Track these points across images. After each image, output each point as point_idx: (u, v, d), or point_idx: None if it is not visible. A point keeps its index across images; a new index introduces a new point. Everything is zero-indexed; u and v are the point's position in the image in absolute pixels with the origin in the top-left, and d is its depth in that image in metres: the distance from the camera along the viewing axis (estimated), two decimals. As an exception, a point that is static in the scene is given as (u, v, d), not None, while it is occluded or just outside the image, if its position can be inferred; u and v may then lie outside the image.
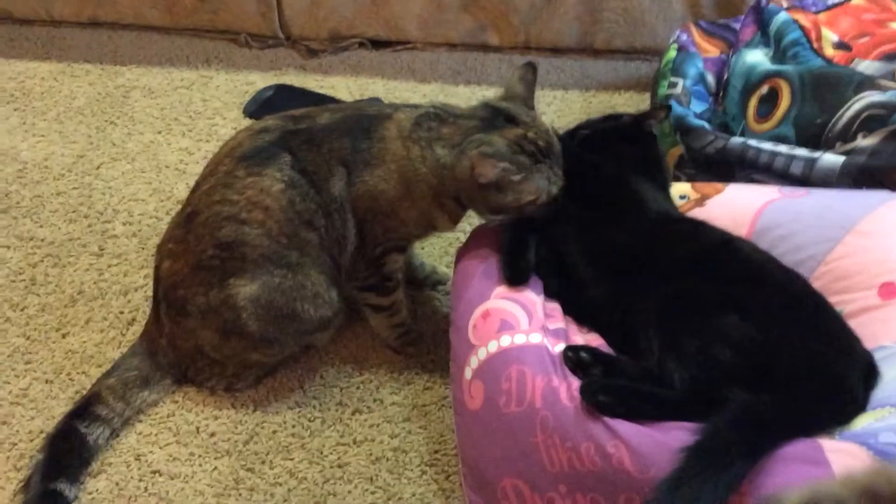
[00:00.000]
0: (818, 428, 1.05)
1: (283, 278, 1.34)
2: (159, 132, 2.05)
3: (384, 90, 2.24)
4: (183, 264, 1.36)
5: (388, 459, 1.36)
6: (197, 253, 1.35)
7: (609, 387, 1.09)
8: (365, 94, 2.21)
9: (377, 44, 2.42)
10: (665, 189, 1.44)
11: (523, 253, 1.32)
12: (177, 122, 2.08)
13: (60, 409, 1.39)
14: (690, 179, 1.71)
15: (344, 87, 2.25)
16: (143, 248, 1.72)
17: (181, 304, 1.38)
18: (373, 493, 1.31)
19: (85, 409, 1.35)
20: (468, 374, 1.21)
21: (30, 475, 1.27)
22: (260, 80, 2.25)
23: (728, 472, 0.95)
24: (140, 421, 1.40)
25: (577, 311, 1.31)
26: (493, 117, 1.36)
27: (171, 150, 1.99)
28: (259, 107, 2.13)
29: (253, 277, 1.33)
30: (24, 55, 2.34)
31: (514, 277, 1.29)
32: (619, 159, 1.39)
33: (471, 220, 1.65)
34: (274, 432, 1.39)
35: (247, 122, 2.09)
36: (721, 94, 1.90)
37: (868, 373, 1.14)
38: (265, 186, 1.32)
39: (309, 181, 1.35)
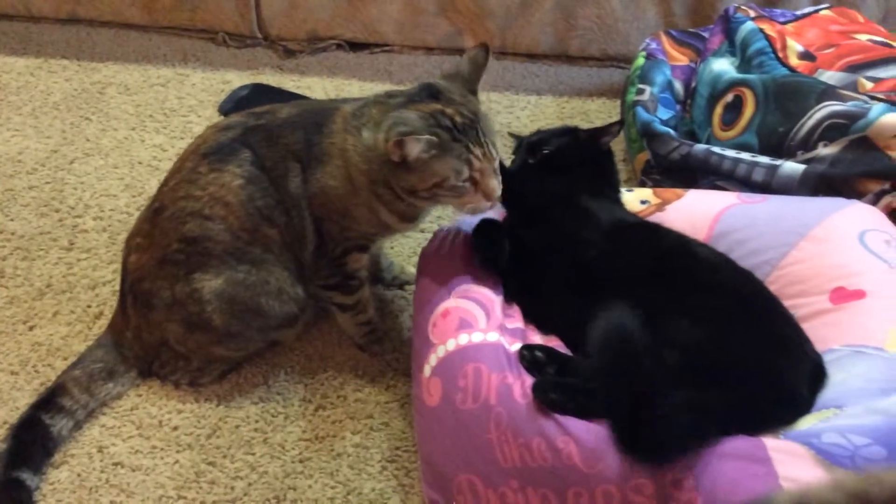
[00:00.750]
0: (762, 426, 1.07)
1: (247, 273, 1.36)
2: (133, 129, 2.06)
3: (360, 91, 2.26)
4: (149, 258, 1.38)
5: (349, 455, 1.38)
6: (163, 247, 1.36)
7: (560, 385, 1.11)
8: (340, 95, 2.23)
9: (354, 45, 2.45)
10: (618, 200, 1.47)
11: (497, 238, 1.34)
12: (151, 119, 2.09)
13: (25, 400, 1.40)
14: (656, 185, 1.74)
15: (320, 87, 2.26)
16: (112, 244, 1.73)
17: (147, 297, 1.39)
18: (332, 487, 1.33)
19: (49, 401, 1.36)
20: (427, 371, 1.23)
21: (-8, 465, 1.28)
22: (236, 79, 2.27)
23: None
24: (103, 413, 1.41)
25: (536, 314, 1.33)
26: (419, 93, 1.32)
27: (145, 147, 2.00)
28: (234, 105, 2.15)
29: (217, 272, 1.35)
30: (1, 50, 2.35)
31: (487, 257, 1.32)
32: (572, 179, 1.40)
33: (439, 221, 1.67)
34: (237, 427, 1.41)
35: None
36: (688, 101, 1.93)
37: (815, 375, 1.17)
38: (226, 182, 1.34)
39: (268, 177, 1.36)
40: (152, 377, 1.47)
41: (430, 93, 1.31)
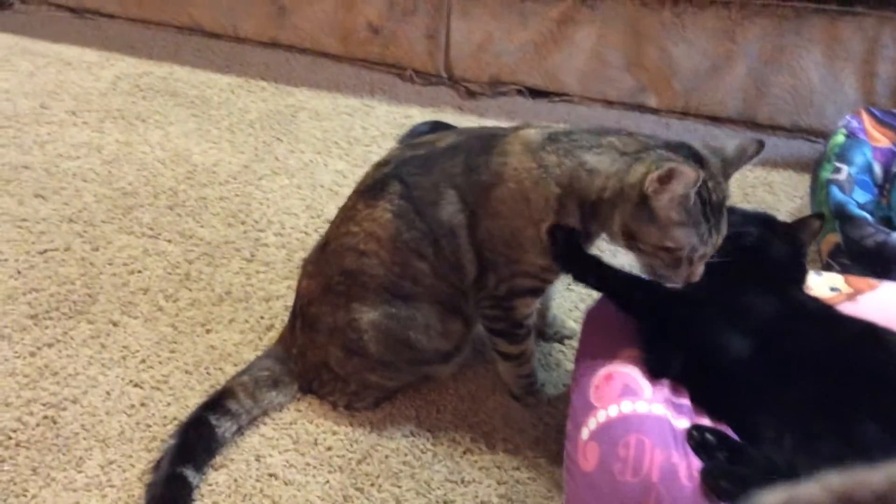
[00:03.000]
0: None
1: (399, 308, 1.39)
2: (319, 153, 2.16)
3: (536, 138, 2.28)
4: (317, 285, 1.45)
5: (492, 504, 1.37)
6: (327, 277, 1.43)
7: (733, 474, 1.05)
8: (517, 140, 2.25)
9: (535, 93, 2.47)
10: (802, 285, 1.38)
11: (667, 350, 1.27)
12: (336, 146, 2.19)
13: (195, 399, 1.48)
14: (844, 270, 1.64)
15: (498, 130, 2.30)
16: (289, 260, 1.81)
17: (313, 321, 1.45)
18: (473, 535, 1.32)
19: (217, 402, 1.43)
20: (585, 434, 1.20)
21: (160, 457, 1.35)
22: (418, 115, 2.34)
23: None
24: (264, 423, 1.47)
25: (705, 396, 1.27)
26: (677, 148, 1.24)
27: (328, 171, 2.10)
28: (415, 140, 2.21)
29: (373, 305, 1.39)
30: (207, 66, 2.54)
31: (658, 371, 1.24)
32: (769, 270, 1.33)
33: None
34: (386, 457, 1.43)
35: (401, 153, 2.18)
36: (887, 185, 1.82)
37: None
38: (376, 217, 1.37)
39: (414, 208, 1.35)
40: (312, 395, 1.52)
41: (691, 154, 1.23)
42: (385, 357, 1.43)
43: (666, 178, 1.15)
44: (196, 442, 1.38)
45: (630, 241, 1.24)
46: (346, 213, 1.43)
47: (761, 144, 1.29)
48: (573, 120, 2.38)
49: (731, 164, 1.27)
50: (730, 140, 2.21)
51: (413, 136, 2.22)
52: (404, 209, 1.35)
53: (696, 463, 1.09)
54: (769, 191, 2.10)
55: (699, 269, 1.24)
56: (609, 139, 1.27)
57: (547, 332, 1.66)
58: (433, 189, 1.34)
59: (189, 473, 1.33)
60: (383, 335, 1.40)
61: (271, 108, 2.35)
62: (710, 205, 1.19)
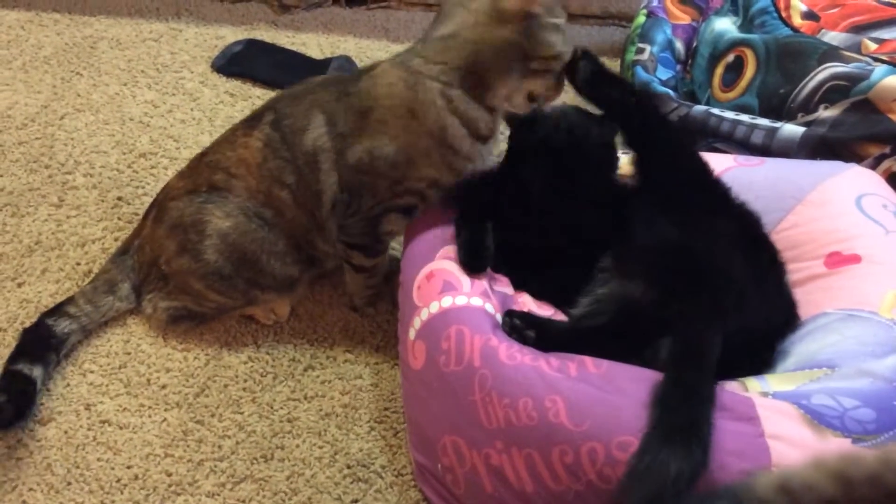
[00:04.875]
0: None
1: (259, 228, 1.38)
2: (125, 84, 2.03)
3: (356, 48, 2.23)
4: (184, 186, 1.44)
5: (337, 415, 1.38)
6: (196, 183, 1.43)
7: (531, 320, 1.17)
8: (336, 52, 2.19)
9: (351, 1, 2.40)
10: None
11: (482, 238, 1.28)
12: (143, 75, 2.06)
13: (12, 357, 1.40)
14: (654, 146, 1.71)
15: (315, 44, 2.23)
16: (102, 201, 1.71)
17: (163, 214, 1.44)
18: (320, 447, 1.33)
19: (56, 308, 1.43)
20: (412, 334, 1.22)
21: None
22: (230, 35, 2.23)
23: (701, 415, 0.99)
24: (91, 371, 1.41)
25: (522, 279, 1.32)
26: None
27: (136, 103, 1.98)
28: (228, 61, 2.11)
29: (229, 215, 1.38)
30: (-9, 3, 2.31)
31: (473, 263, 1.25)
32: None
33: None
34: (225, 386, 1.40)
35: (214, 76, 2.07)
36: (689, 61, 1.89)
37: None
38: (250, 145, 1.38)
39: (281, 137, 1.36)
40: (140, 296, 1.48)
41: None
42: (224, 269, 1.39)
43: None
44: (32, 342, 1.37)
45: (527, 62, 1.26)
46: (228, 136, 1.45)
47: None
48: (392, 28, 2.33)
49: None
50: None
51: (227, 56, 2.13)
52: (273, 138, 1.37)
53: (516, 344, 1.13)
54: (586, 79, 2.14)
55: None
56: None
57: None
58: (303, 116, 1.36)
59: (25, 367, 1.32)
60: (229, 248, 1.38)
61: (67, 41, 2.17)
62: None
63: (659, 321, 1.10)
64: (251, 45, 2.18)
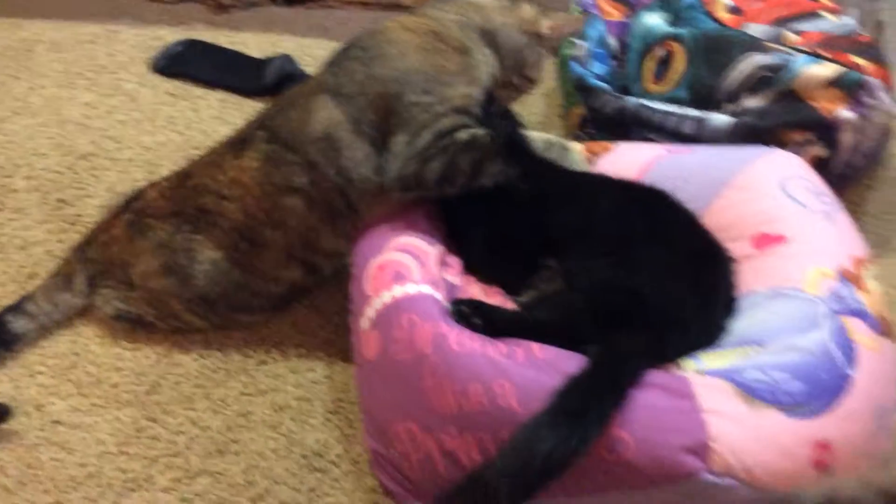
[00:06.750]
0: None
1: (244, 251, 1.39)
2: (62, 86, 2.01)
3: (297, 47, 2.23)
4: (167, 205, 1.42)
5: (291, 408, 1.40)
6: (181, 205, 1.41)
7: (479, 308, 1.21)
8: (276, 51, 2.20)
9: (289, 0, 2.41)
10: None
11: None
12: (81, 77, 2.04)
13: (-42, 364, 1.39)
14: (592, 139, 1.77)
15: (255, 43, 2.23)
16: (44, 203, 1.69)
17: (145, 228, 1.42)
18: (275, 439, 1.35)
19: (17, 306, 1.43)
20: (365, 324, 1.25)
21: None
22: (168, 35, 2.22)
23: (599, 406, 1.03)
24: (41, 373, 1.40)
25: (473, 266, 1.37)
26: None
27: (75, 105, 1.96)
28: (169, 62, 2.11)
29: (219, 245, 1.39)
30: (-82, 6, 2.26)
31: None
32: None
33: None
34: (177, 383, 1.41)
35: (153, 76, 2.07)
36: (624, 56, 1.96)
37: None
38: (244, 166, 1.37)
39: (282, 144, 1.36)
40: (94, 287, 1.46)
41: None
42: (210, 294, 1.41)
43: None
44: None
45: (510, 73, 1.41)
46: (214, 158, 1.43)
47: None
48: (331, 26, 2.35)
49: None
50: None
51: (167, 57, 2.12)
52: (272, 151, 1.36)
53: (467, 331, 1.17)
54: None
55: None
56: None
57: None
58: (302, 111, 1.36)
59: None
60: (220, 275, 1.40)
61: (3, 44, 2.14)
62: None
63: (596, 332, 1.15)
64: (192, 45, 2.18)
